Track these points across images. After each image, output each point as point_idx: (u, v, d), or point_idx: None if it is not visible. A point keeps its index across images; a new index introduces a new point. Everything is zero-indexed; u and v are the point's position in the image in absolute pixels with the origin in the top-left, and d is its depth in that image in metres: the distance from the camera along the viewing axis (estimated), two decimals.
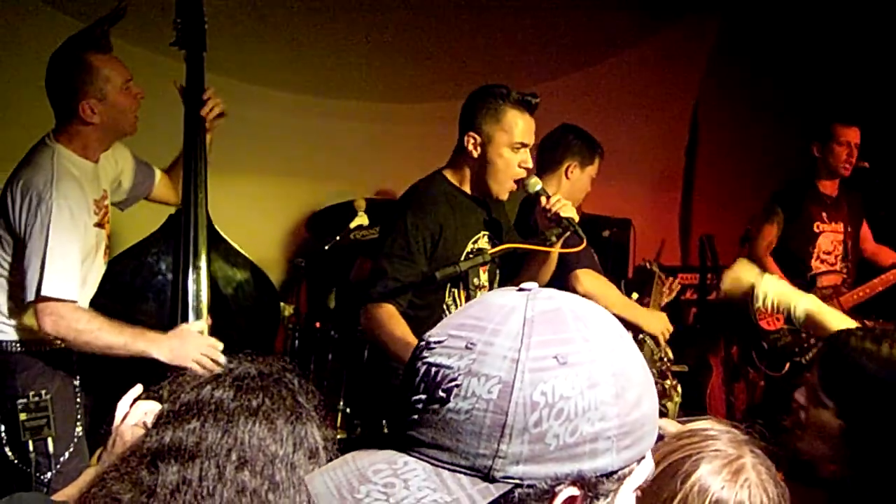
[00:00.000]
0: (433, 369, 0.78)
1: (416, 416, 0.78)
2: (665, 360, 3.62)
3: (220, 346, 2.70)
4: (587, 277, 3.35)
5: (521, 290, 0.84)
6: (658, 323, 3.60)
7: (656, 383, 3.44)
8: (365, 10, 4.94)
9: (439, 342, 0.80)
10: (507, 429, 0.74)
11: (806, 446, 1.98)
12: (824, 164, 4.30)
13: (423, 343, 0.82)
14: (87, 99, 2.68)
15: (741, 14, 5.81)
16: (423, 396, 0.78)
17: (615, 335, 0.83)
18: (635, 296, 3.74)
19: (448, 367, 0.77)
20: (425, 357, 0.80)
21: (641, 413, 0.80)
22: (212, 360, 2.63)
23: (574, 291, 3.26)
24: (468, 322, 0.80)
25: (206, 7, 2.94)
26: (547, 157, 3.57)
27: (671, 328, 3.62)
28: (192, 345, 2.65)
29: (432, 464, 0.77)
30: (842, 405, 1.90)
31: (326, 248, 4.28)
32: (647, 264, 4.06)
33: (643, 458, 0.82)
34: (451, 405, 0.76)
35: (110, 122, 2.75)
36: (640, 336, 3.55)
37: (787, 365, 4.17)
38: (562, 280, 3.28)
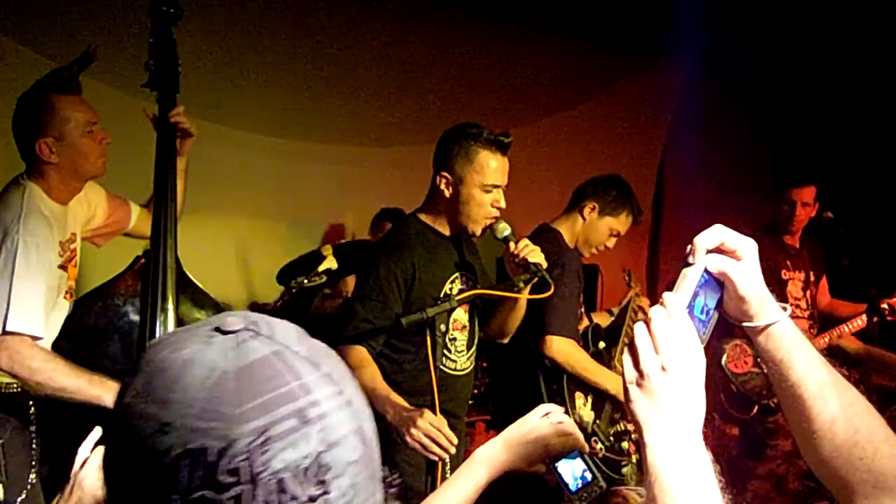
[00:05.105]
0: None
1: None
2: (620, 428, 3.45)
3: None
4: (558, 344, 3.28)
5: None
6: None
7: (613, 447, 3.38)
8: (337, 53, 4.99)
9: None
10: None
11: None
12: (780, 220, 4.47)
13: None
14: (45, 138, 2.65)
15: (710, 60, 5.93)
16: None
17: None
18: (602, 345, 3.67)
19: None
20: None
21: None
22: None
23: (543, 354, 3.25)
24: None
25: (178, 48, 2.93)
26: (573, 196, 3.57)
27: None
28: None
29: None
30: None
31: (294, 290, 4.26)
32: None
33: None
34: None
35: (70, 163, 2.70)
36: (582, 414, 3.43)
37: (755, 408, 4.16)
38: (536, 333, 3.26)
